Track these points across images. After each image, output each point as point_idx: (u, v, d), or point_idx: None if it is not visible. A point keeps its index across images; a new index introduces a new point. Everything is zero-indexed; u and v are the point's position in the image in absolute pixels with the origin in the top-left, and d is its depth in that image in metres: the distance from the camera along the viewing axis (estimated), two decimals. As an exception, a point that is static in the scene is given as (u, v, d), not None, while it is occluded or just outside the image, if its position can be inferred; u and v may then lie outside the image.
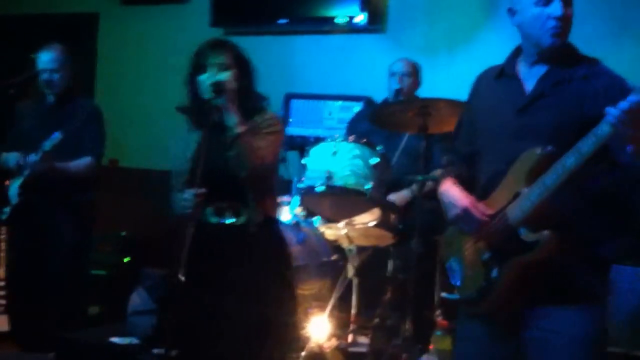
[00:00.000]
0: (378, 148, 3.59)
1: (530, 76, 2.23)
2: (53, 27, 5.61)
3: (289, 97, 4.89)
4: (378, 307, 3.83)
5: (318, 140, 3.72)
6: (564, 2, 2.15)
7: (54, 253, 3.94)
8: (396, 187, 3.91)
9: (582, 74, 2.17)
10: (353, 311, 3.76)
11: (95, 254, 4.68)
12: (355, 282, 3.74)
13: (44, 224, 3.95)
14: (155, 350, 3.61)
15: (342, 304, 3.73)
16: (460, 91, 2.56)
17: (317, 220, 3.80)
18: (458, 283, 2.33)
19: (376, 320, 3.78)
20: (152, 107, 5.50)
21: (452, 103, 3.38)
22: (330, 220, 3.75)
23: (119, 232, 5.21)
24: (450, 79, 4.38)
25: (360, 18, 4.83)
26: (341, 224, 3.70)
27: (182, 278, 2.37)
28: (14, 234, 3.97)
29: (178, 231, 2.55)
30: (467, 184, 2.32)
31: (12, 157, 3.91)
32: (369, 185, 3.49)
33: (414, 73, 4.22)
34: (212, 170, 2.62)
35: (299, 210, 3.79)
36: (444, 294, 2.57)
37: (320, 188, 3.51)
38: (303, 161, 3.63)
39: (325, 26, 5.01)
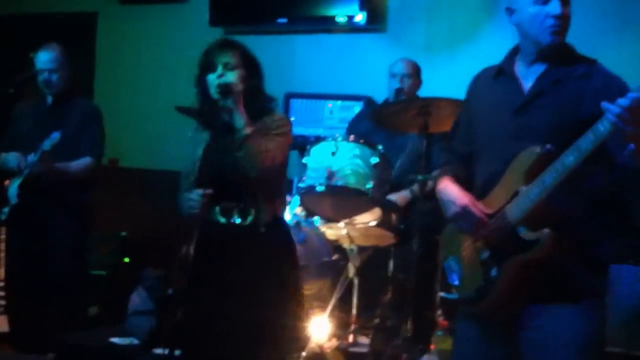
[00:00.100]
0: (378, 147, 3.59)
1: (528, 75, 2.23)
2: (51, 26, 5.60)
3: (288, 97, 4.89)
4: (379, 307, 3.83)
5: (318, 139, 3.72)
6: (562, 1, 2.15)
7: (53, 254, 3.93)
8: (398, 187, 3.90)
9: (581, 72, 2.17)
10: (354, 311, 3.76)
11: (94, 254, 4.68)
12: (355, 282, 3.74)
13: (43, 225, 3.94)
14: (157, 351, 3.61)
15: (343, 304, 3.73)
16: (462, 90, 2.55)
17: (317, 220, 3.79)
18: (456, 283, 2.32)
19: (377, 320, 3.78)
20: (151, 106, 5.50)
21: (453, 102, 3.37)
22: (330, 220, 3.75)
23: (119, 232, 5.20)
24: (451, 78, 4.37)
25: (360, 17, 4.82)
26: (342, 224, 3.70)
27: (186, 280, 2.36)
28: (13, 235, 3.96)
29: (183, 231, 2.55)
30: (464, 184, 2.31)
31: (11, 158, 3.90)
32: (369, 185, 3.49)
33: (414, 74, 4.21)
34: (220, 170, 2.63)
35: (299, 210, 3.78)
36: (442, 294, 2.56)
37: (320, 188, 3.51)
38: (303, 160, 3.63)
39: (325, 25, 5.00)
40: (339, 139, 3.59)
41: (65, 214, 3.95)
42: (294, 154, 4.39)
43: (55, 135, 3.69)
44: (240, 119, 2.62)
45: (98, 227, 4.25)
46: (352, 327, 3.75)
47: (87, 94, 5.29)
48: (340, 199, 3.61)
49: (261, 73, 2.80)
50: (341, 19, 4.88)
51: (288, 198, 3.85)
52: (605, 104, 1.89)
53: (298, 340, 3.06)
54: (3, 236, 3.95)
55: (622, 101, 1.86)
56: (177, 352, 2.53)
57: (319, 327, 3.49)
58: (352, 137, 3.61)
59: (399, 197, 3.91)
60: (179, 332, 2.37)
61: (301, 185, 3.58)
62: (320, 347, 3.45)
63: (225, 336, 2.62)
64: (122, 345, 3.75)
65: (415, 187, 3.75)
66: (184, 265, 2.49)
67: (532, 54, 2.22)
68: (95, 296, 4.72)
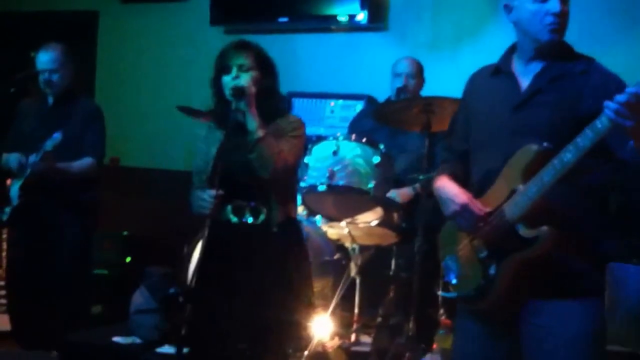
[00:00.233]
0: (380, 146, 3.59)
1: (526, 73, 2.23)
2: (53, 25, 5.60)
3: (290, 96, 4.88)
4: (381, 306, 3.83)
5: (320, 138, 3.72)
6: None
7: (56, 253, 3.93)
8: (401, 185, 3.89)
9: (579, 69, 2.17)
10: (356, 310, 3.76)
11: (97, 253, 4.68)
12: (358, 281, 3.74)
13: (46, 224, 3.94)
14: (160, 350, 3.61)
15: (345, 303, 3.73)
16: (465, 88, 2.53)
17: (319, 219, 3.79)
18: (454, 281, 2.32)
19: (379, 319, 3.78)
20: (153, 104, 5.50)
21: (456, 101, 3.35)
22: (332, 219, 3.74)
23: (121, 231, 5.21)
24: (454, 76, 4.35)
25: (361, 16, 4.81)
26: (343, 223, 3.69)
27: (194, 281, 2.36)
28: (15, 234, 3.96)
29: (192, 230, 2.55)
30: (462, 182, 2.32)
31: (13, 158, 3.90)
32: (371, 184, 3.49)
33: (418, 72, 4.19)
34: (233, 170, 2.63)
35: (301, 209, 3.78)
36: (440, 292, 2.56)
37: (322, 187, 3.51)
38: (305, 160, 3.62)
39: (326, 24, 4.99)
40: (341, 138, 3.59)
41: (69, 214, 3.95)
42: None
43: (57, 136, 3.70)
44: (252, 121, 2.63)
45: (100, 226, 4.25)
46: (355, 326, 3.75)
47: (88, 92, 5.29)
48: (342, 198, 3.61)
49: (276, 74, 2.82)
50: (342, 18, 4.88)
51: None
52: (606, 102, 1.89)
53: (301, 339, 3.07)
54: (5, 236, 3.95)
55: (620, 97, 1.87)
56: (184, 350, 2.53)
57: (322, 326, 3.48)
58: (353, 136, 3.61)
59: (400, 193, 3.90)
60: (187, 330, 2.37)
61: (303, 184, 3.58)
62: (323, 346, 3.45)
63: (233, 336, 2.63)
64: (124, 344, 3.75)
65: (417, 185, 3.75)
66: (191, 265, 2.48)
67: (530, 52, 2.22)
68: (98, 295, 4.72)
